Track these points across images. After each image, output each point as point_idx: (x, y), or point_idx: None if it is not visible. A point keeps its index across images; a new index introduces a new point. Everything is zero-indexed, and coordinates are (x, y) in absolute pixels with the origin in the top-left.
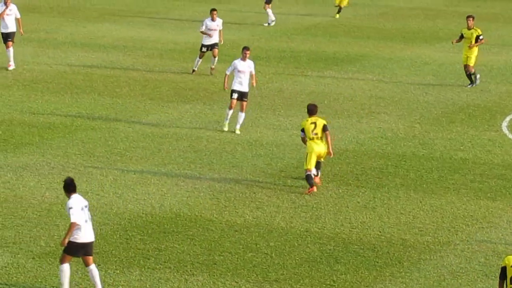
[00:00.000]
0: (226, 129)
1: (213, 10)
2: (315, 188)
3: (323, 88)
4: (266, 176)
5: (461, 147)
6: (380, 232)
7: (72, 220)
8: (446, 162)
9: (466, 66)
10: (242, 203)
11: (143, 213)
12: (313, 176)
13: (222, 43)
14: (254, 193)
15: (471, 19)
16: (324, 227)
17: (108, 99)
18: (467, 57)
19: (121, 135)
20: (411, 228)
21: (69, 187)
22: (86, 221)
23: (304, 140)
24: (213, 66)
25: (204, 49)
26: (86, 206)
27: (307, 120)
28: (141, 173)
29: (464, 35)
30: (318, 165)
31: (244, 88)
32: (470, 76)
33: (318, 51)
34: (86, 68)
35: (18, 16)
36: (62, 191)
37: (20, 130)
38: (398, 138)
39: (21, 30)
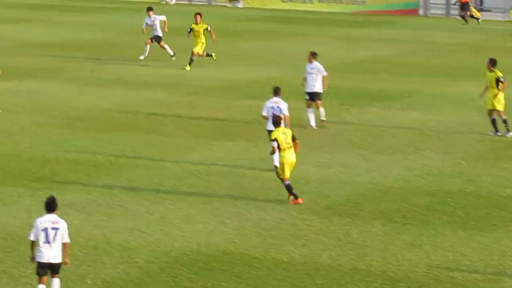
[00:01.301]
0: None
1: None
2: (300, 200)
3: (367, 125)
4: (312, 213)
5: (509, 184)
6: (427, 270)
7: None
8: (493, 199)
9: (490, 111)
10: (288, 241)
11: (189, 251)
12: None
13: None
14: (300, 230)
15: (489, 62)
16: (371, 264)
17: (153, 137)
18: (493, 100)
19: (167, 173)
20: (459, 266)
21: (46, 206)
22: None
23: (274, 150)
24: (323, 119)
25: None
26: (53, 229)
27: (278, 131)
28: (187, 210)
29: (487, 79)
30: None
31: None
32: (494, 122)
33: (361, 88)
34: (131, 106)
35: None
36: (109, 229)
37: (66, 168)
38: (444, 175)
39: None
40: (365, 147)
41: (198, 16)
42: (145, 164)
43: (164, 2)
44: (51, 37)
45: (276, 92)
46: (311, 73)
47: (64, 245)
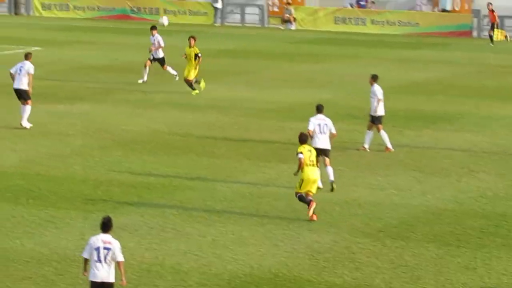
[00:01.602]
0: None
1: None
2: (314, 204)
3: (421, 147)
4: (365, 236)
5: None
6: None
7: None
8: None
9: None
10: (340, 264)
11: (241, 274)
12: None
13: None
14: (353, 253)
15: None
16: None
17: (205, 159)
18: None
19: (219, 195)
20: None
21: (101, 226)
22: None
23: (301, 163)
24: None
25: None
26: (105, 248)
27: (304, 147)
28: (239, 233)
29: None
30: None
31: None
32: None
33: (415, 110)
34: (183, 128)
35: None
36: (161, 251)
37: (119, 190)
38: (498, 197)
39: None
40: (419, 169)
41: (192, 40)
42: (197, 186)
43: (161, 24)
44: (103, 59)
45: (320, 109)
46: (371, 96)
47: (118, 264)
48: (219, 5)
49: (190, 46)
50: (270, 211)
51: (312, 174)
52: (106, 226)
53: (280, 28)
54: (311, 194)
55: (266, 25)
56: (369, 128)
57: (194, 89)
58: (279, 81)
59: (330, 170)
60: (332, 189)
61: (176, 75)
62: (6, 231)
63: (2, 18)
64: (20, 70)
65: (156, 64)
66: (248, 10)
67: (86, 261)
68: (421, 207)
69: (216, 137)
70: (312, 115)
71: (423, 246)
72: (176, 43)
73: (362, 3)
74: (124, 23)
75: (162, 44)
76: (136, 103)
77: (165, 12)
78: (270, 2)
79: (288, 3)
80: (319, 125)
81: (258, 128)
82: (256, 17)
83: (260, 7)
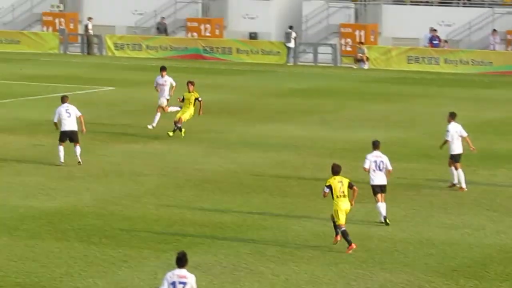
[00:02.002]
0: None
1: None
2: (354, 245)
3: (495, 186)
4: (438, 275)
5: None
6: None
7: None
8: None
9: None
10: None
11: None
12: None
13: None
14: None
15: None
16: None
17: (278, 199)
18: None
19: (292, 234)
20: None
21: (176, 261)
22: None
23: (325, 195)
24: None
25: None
26: (180, 283)
27: (334, 179)
28: (312, 272)
29: None
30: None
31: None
32: None
33: (489, 149)
34: (257, 167)
35: None
36: None
37: (192, 229)
38: None
39: None
40: (493, 208)
41: (191, 85)
42: (271, 225)
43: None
44: (175, 99)
45: (376, 146)
46: (448, 135)
47: None
48: (291, 44)
49: (189, 91)
50: (343, 250)
51: (343, 204)
52: (181, 261)
53: (353, 68)
54: (342, 223)
55: (339, 64)
56: (450, 165)
57: (175, 130)
58: (352, 121)
59: (383, 205)
60: (387, 223)
61: (180, 109)
62: (79, 270)
63: (75, 58)
64: (68, 113)
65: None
66: (321, 49)
67: None
68: (495, 246)
69: (289, 176)
70: (385, 154)
71: (497, 286)
72: (248, 83)
73: (435, 42)
74: (197, 63)
75: (174, 84)
76: (209, 143)
77: (238, 51)
78: (343, 42)
79: (361, 43)
80: (375, 161)
81: (330, 166)
82: (329, 57)
83: (333, 47)
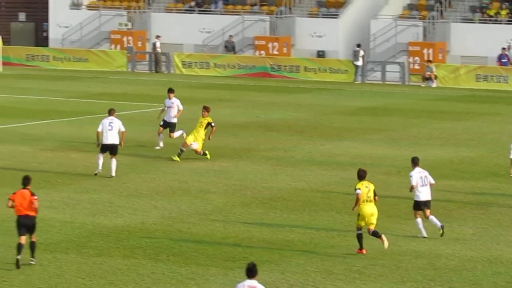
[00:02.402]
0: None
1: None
2: (364, 251)
3: None
4: None
5: None
6: None
7: None
8: None
9: None
10: None
11: None
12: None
13: None
14: None
15: None
16: None
17: (346, 217)
18: None
19: (360, 253)
20: None
21: (246, 272)
22: None
23: (358, 199)
24: None
25: None
26: None
27: (362, 184)
28: None
29: None
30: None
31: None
32: None
33: None
34: (324, 185)
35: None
36: None
37: (259, 247)
38: None
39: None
40: None
41: (205, 111)
42: (338, 244)
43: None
44: (243, 117)
45: (417, 162)
46: None
47: None
48: (359, 62)
49: (203, 116)
50: (410, 269)
51: (369, 209)
52: (251, 271)
53: (421, 86)
54: (372, 227)
55: (407, 83)
56: None
57: (179, 155)
58: (419, 139)
59: (433, 218)
60: (442, 234)
61: (182, 133)
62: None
63: (143, 76)
64: (111, 126)
65: (300, 119)
66: (389, 67)
67: None
68: None
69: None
70: (453, 173)
71: None
72: (316, 101)
73: (504, 60)
74: (264, 81)
75: (181, 107)
76: (277, 161)
77: (306, 69)
78: (411, 60)
79: (429, 61)
80: (421, 177)
81: (399, 185)
82: (397, 75)
83: (401, 65)
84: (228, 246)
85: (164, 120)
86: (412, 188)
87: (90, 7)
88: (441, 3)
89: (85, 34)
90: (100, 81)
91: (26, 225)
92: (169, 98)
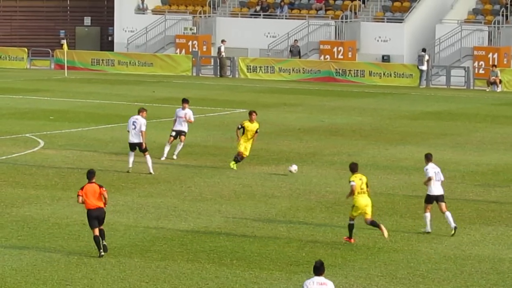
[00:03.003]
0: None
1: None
2: (352, 240)
3: None
4: None
5: None
6: None
7: None
8: None
9: None
10: None
11: None
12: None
13: None
14: None
15: None
16: None
17: (410, 221)
18: None
19: (423, 257)
20: None
21: (314, 270)
22: None
23: (352, 190)
24: None
25: None
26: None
27: (356, 176)
28: None
29: None
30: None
31: None
32: None
33: None
34: (388, 190)
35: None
36: None
37: (323, 251)
38: None
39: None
40: None
41: (254, 115)
42: (402, 248)
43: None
44: (308, 121)
45: (429, 158)
46: None
47: None
48: (424, 67)
49: (251, 121)
50: (474, 273)
51: (363, 200)
52: (318, 269)
53: (485, 90)
54: (368, 216)
55: (472, 87)
56: None
57: (237, 162)
58: (484, 143)
59: (449, 215)
60: (453, 234)
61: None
62: None
63: (208, 80)
64: (134, 125)
65: (364, 124)
66: (453, 72)
67: None
68: None
69: (420, 198)
70: (505, 178)
71: None
72: (381, 105)
73: None
74: (329, 85)
75: (193, 119)
76: (341, 165)
77: (371, 74)
78: (476, 65)
79: (494, 66)
80: (435, 173)
81: (463, 190)
82: (462, 79)
83: (466, 69)
84: (292, 250)
85: (175, 131)
86: (429, 180)
87: (155, 11)
88: (506, 7)
89: (150, 39)
90: (165, 85)
91: (97, 217)
92: (183, 108)
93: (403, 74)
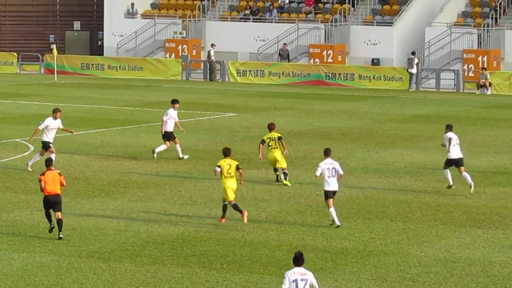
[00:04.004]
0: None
1: None
2: (223, 220)
3: None
4: None
5: None
6: None
7: None
8: None
9: None
10: None
11: None
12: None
13: None
14: None
15: None
16: None
17: (400, 224)
18: None
19: (413, 260)
20: None
21: (293, 261)
22: None
23: (215, 173)
24: None
25: None
26: (302, 280)
27: (224, 161)
28: None
29: None
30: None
31: None
32: None
33: None
34: (378, 193)
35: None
36: None
37: (313, 255)
38: None
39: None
40: None
41: (273, 124)
42: (392, 251)
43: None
44: (298, 125)
45: (327, 153)
46: None
47: None
48: (414, 70)
49: (271, 130)
50: (464, 276)
51: (230, 183)
52: (298, 260)
53: (475, 93)
54: (233, 199)
55: (461, 90)
56: None
57: (285, 177)
58: (474, 146)
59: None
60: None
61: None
62: None
63: (197, 84)
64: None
65: (354, 127)
66: (443, 75)
67: None
68: None
69: (411, 202)
70: (508, 181)
71: None
72: (370, 109)
73: None
74: (319, 89)
75: (177, 120)
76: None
77: (360, 77)
78: (465, 67)
79: (484, 68)
80: (328, 169)
81: (453, 192)
82: (451, 82)
83: (456, 72)
84: (282, 254)
85: (166, 131)
86: (316, 177)
87: (145, 15)
88: (496, 10)
89: (140, 43)
90: (155, 89)
91: (53, 202)
92: (174, 109)
93: (392, 77)
